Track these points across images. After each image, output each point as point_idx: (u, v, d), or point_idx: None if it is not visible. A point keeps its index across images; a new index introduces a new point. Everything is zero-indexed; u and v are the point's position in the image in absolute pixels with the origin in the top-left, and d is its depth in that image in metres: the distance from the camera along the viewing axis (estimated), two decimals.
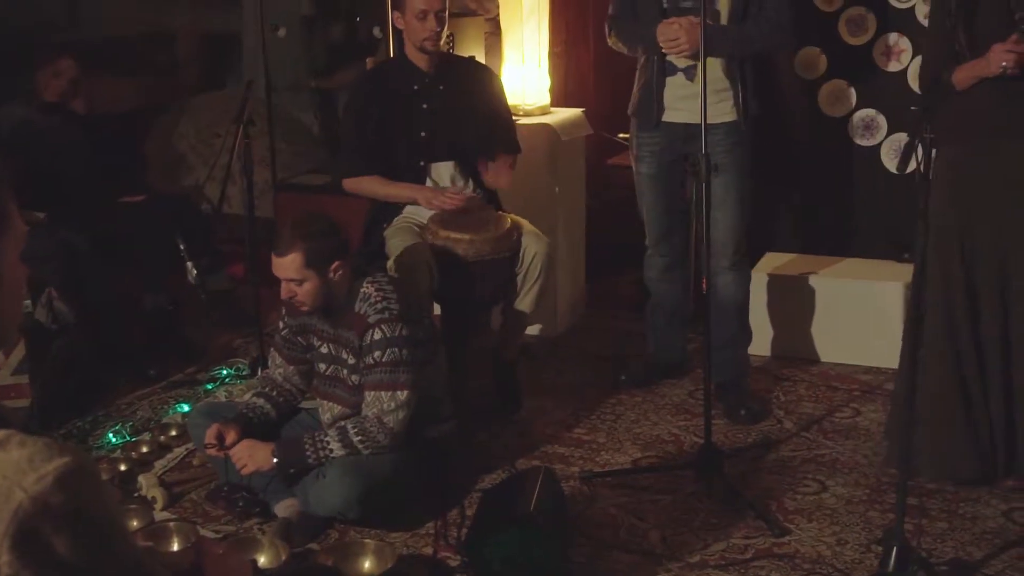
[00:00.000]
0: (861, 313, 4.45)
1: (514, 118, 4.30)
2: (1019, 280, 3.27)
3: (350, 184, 4.05)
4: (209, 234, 4.83)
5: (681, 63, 3.88)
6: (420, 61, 3.99)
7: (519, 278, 3.90)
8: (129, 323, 4.49)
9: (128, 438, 3.88)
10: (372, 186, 4.01)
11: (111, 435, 3.89)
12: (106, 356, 4.28)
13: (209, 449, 3.29)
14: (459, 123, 4.01)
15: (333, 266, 3.19)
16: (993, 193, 3.26)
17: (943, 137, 3.16)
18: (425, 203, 3.91)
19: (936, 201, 3.15)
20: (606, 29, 4.05)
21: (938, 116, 2.88)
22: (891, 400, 3.71)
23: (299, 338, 3.43)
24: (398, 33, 4.15)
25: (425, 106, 4.00)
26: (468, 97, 4.03)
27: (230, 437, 3.27)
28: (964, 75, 3.21)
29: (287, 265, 3.17)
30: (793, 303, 4.56)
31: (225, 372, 4.42)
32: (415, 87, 4.00)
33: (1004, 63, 3.08)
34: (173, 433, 3.88)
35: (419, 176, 4.00)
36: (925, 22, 4.43)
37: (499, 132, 4.09)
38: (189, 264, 4.43)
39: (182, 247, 4.45)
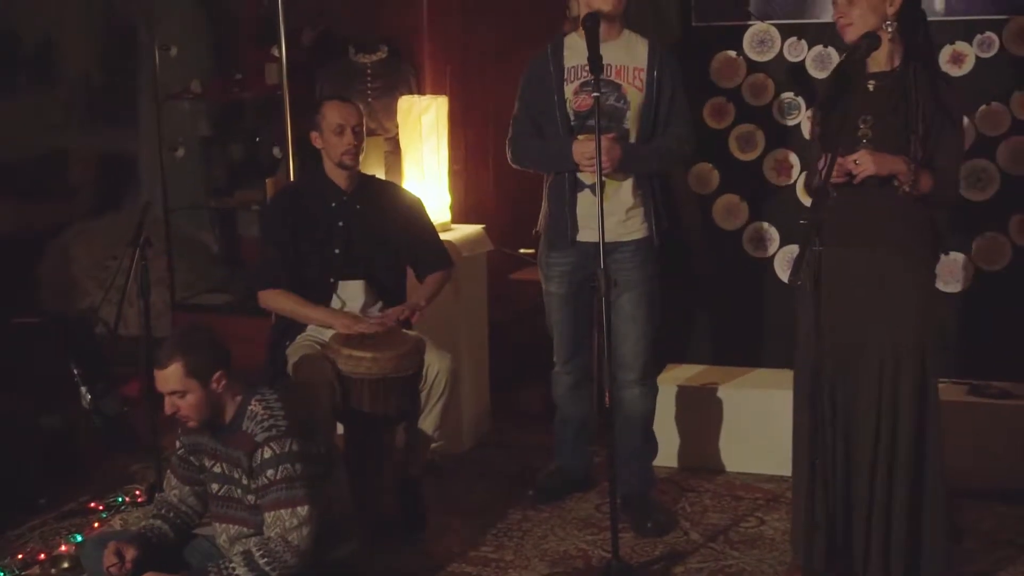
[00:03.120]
0: (763, 422, 4.49)
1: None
2: (866, 390, 3.35)
3: (266, 296, 4.02)
4: (103, 357, 4.73)
5: (589, 179, 3.92)
6: (339, 179, 4.01)
7: (423, 395, 3.88)
8: (19, 448, 4.34)
9: (17, 573, 3.72)
10: (288, 304, 3.98)
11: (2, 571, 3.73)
12: None
13: (111, 568, 3.17)
14: (373, 243, 4.02)
15: (215, 376, 3.16)
16: (837, 298, 3.35)
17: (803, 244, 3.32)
18: (345, 329, 3.88)
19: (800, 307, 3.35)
20: (507, 150, 4.11)
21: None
22: (793, 508, 3.74)
23: (192, 458, 3.36)
24: (301, 153, 4.18)
25: (341, 224, 4.01)
26: (385, 219, 4.06)
27: (130, 554, 3.17)
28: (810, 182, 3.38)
29: (168, 377, 3.15)
30: (698, 414, 4.60)
31: (120, 499, 4.28)
32: (332, 204, 4.02)
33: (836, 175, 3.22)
34: (65, 566, 3.72)
35: (327, 292, 3.99)
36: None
37: (428, 250, 4.12)
38: (83, 388, 4.33)
39: (75, 371, 4.34)
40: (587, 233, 3.95)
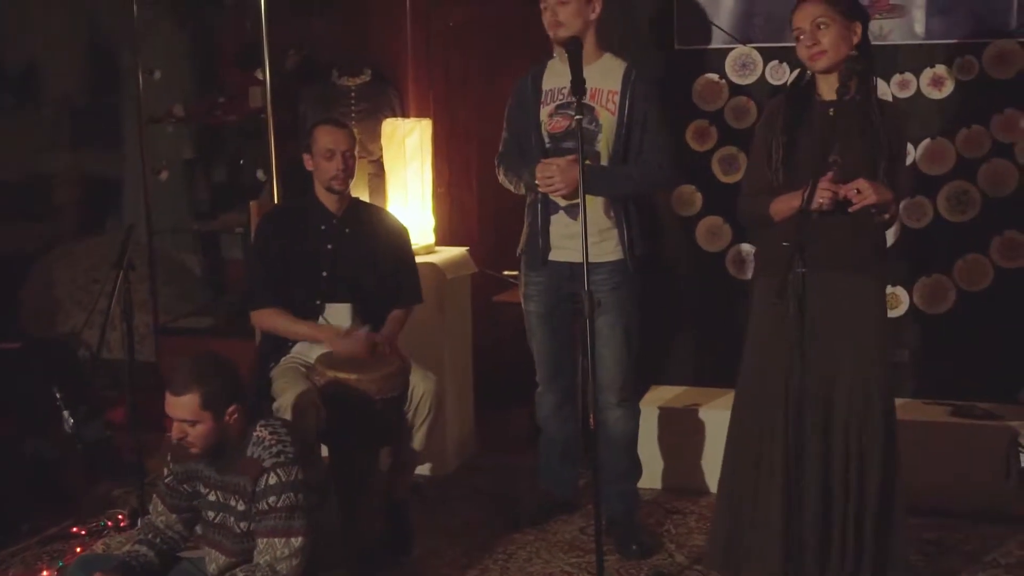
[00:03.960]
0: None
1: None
2: (839, 408, 3.38)
3: (259, 316, 4.02)
4: (86, 381, 4.71)
5: (562, 202, 3.96)
6: (329, 202, 4.02)
7: (408, 417, 3.87)
8: (0, 473, 4.32)
9: None
10: (278, 321, 3.98)
11: None
12: None
13: None
14: (361, 267, 4.03)
15: (229, 410, 3.13)
16: (812, 322, 3.37)
17: (763, 269, 3.35)
18: (330, 344, 3.88)
19: (759, 330, 3.42)
20: (496, 167, 4.13)
21: (758, 248, 3.01)
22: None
23: (184, 486, 3.33)
24: (285, 176, 4.19)
25: (329, 247, 4.01)
26: (373, 243, 4.06)
27: None
28: (780, 207, 3.38)
29: (183, 405, 3.10)
30: (682, 435, 4.61)
31: (103, 524, 4.25)
32: (322, 227, 4.02)
33: (821, 200, 3.24)
34: None
35: (314, 314, 3.99)
36: None
37: (401, 283, 4.12)
38: (65, 413, 4.31)
39: (58, 395, 4.32)
40: (558, 253, 3.98)
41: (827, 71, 3.37)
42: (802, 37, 3.37)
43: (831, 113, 3.36)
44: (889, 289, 4.48)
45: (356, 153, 4.04)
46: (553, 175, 3.81)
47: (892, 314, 4.50)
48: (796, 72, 3.53)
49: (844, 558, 3.38)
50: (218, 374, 3.15)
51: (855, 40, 3.35)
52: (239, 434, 3.18)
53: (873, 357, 3.39)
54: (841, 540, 3.39)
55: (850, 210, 3.25)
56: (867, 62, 3.36)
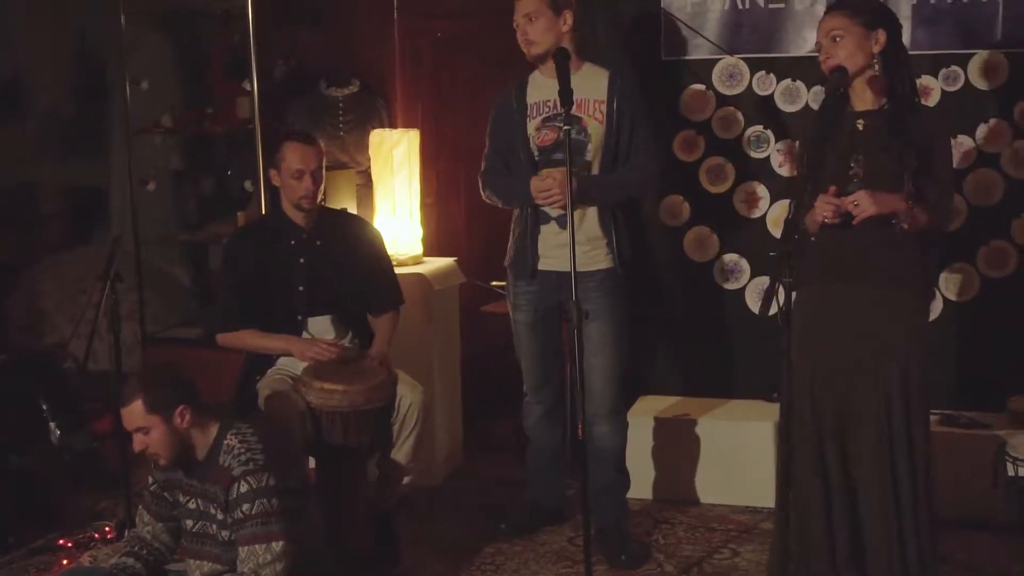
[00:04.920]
0: (736, 453, 4.51)
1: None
2: (859, 424, 3.37)
3: (224, 339, 4.00)
4: (72, 393, 4.69)
5: (554, 212, 3.96)
6: (297, 217, 4.00)
7: (395, 428, 3.87)
8: None
9: None
10: (246, 339, 3.97)
11: None
12: None
13: None
14: (336, 277, 4.01)
15: (177, 410, 3.14)
16: (833, 334, 3.38)
17: (799, 280, 3.33)
18: (299, 355, 3.88)
19: (792, 341, 3.33)
20: (480, 184, 4.13)
21: (797, 261, 3.01)
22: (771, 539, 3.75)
23: (166, 494, 3.33)
24: (271, 187, 4.17)
25: (302, 260, 3.99)
26: (345, 251, 4.05)
27: None
28: (810, 221, 3.38)
29: (131, 414, 3.15)
30: (671, 445, 4.61)
31: (90, 536, 4.23)
32: (292, 242, 4.00)
33: (824, 214, 3.25)
34: None
35: (296, 330, 3.97)
36: (780, 171, 4.66)
37: (380, 287, 4.11)
38: (52, 424, 4.29)
39: (44, 407, 4.30)
40: (548, 262, 3.98)
41: (849, 82, 3.35)
42: (820, 51, 3.38)
43: (859, 126, 3.36)
44: None
45: (324, 165, 4.01)
46: (551, 187, 3.81)
47: None
48: (830, 84, 3.48)
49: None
50: (159, 378, 3.20)
51: (876, 48, 3.32)
52: (203, 437, 3.20)
53: (910, 371, 3.35)
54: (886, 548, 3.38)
55: (853, 223, 3.24)
56: (895, 68, 3.34)
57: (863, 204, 3.23)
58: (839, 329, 3.36)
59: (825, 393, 3.37)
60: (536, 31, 3.88)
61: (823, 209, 3.27)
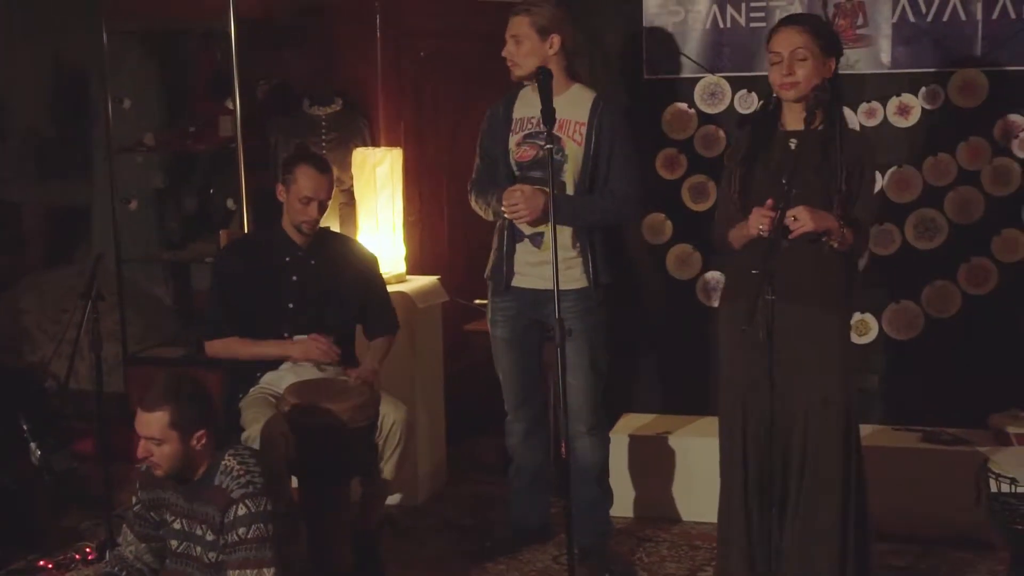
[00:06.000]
0: (717, 470, 4.49)
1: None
2: (796, 437, 3.41)
3: (213, 347, 3.99)
4: (53, 412, 4.66)
5: (527, 230, 3.96)
6: (295, 235, 4.01)
7: (378, 447, 3.86)
8: None
9: None
10: (237, 347, 3.96)
11: None
12: None
13: None
14: (327, 298, 4.02)
15: (198, 434, 3.11)
16: (766, 350, 3.39)
17: (726, 296, 3.37)
18: (301, 356, 3.88)
19: (726, 357, 3.45)
20: (468, 191, 4.14)
21: (726, 275, 3.03)
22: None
23: (152, 513, 3.31)
24: (254, 205, 4.17)
25: (295, 278, 4.00)
26: (339, 273, 4.05)
27: None
28: (736, 235, 3.41)
29: (151, 422, 3.09)
30: (653, 463, 4.61)
31: (71, 557, 4.20)
32: (286, 258, 4.01)
33: (760, 226, 3.27)
34: None
35: None
36: None
37: (376, 313, 4.13)
38: (33, 445, 4.26)
39: (25, 427, 4.28)
40: (521, 279, 3.99)
41: (795, 101, 3.39)
42: (777, 63, 3.38)
43: (791, 144, 3.38)
44: (858, 316, 4.51)
45: (332, 193, 4.02)
46: (517, 202, 3.82)
47: (861, 340, 4.54)
48: (761, 102, 3.55)
49: None
50: (191, 396, 3.14)
51: (827, 75, 3.38)
52: (205, 460, 3.16)
53: (832, 389, 3.39)
54: (800, 564, 3.39)
55: (789, 237, 3.26)
56: (834, 94, 3.39)
57: (802, 219, 3.25)
58: (765, 344, 3.36)
59: (755, 408, 3.39)
60: (520, 53, 3.90)
61: (758, 221, 3.27)
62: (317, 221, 3.98)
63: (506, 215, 3.90)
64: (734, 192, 3.44)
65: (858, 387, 3.75)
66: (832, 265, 3.39)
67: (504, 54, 3.93)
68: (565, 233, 3.94)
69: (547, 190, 3.64)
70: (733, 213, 3.45)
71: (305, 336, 3.96)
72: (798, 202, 3.27)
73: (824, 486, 3.39)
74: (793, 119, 3.42)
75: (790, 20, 3.49)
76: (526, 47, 3.88)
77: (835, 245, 3.31)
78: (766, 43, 3.46)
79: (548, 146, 3.48)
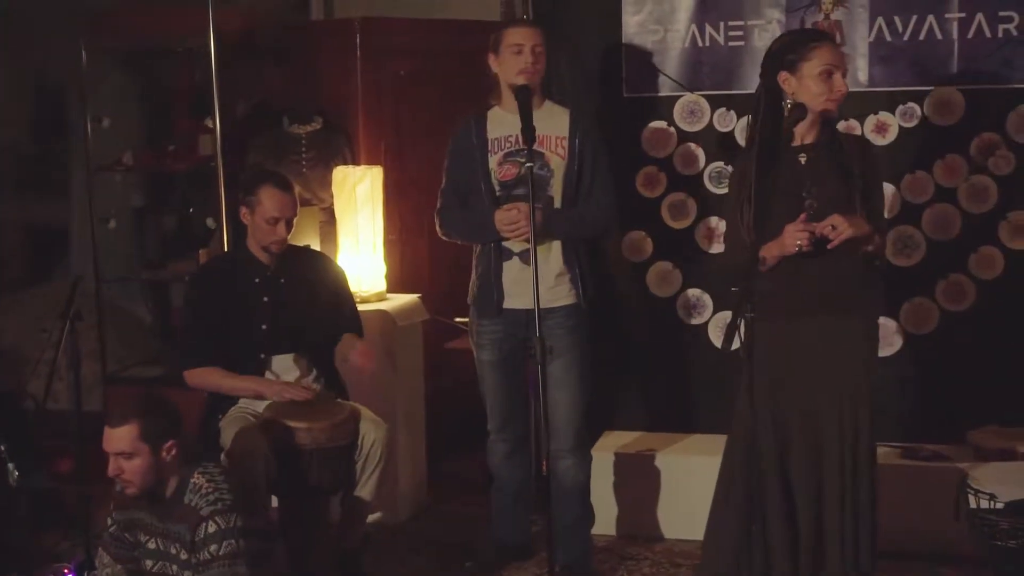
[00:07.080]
0: (700, 488, 4.46)
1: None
2: (828, 446, 3.43)
3: (192, 376, 3.97)
4: (31, 432, 4.63)
5: (517, 247, 3.97)
6: (261, 255, 4.00)
7: (358, 465, 3.85)
8: None
9: None
10: (215, 379, 3.94)
11: None
12: None
13: None
14: (300, 315, 4.01)
15: (167, 445, 3.12)
16: (797, 367, 3.41)
17: (761, 315, 3.37)
18: (276, 396, 3.85)
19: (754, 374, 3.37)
20: (436, 223, 4.13)
21: (754, 294, 3.04)
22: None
23: (126, 534, 3.30)
24: (235, 224, 4.16)
25: (266, 299, 3.98)
26: (309, 288, 4.05)
27: None
28: (768, 255, 3.38)
29: (120, 436, 3.09)
30: (635, 481, 4.60)
31: None
32: (256, 280, 3.99)
33: (799, 241, 3.27)
34: None
35: (259, 368, 3.96)
36: None
37: (343, 319, 4.11)
38: (10, 465, 4.22)
39: (2, 447, 4.24)
40: (513, 300, 3.98)
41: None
42: (827, 79, 3.35)
43: (802, 159, 3.40)
44: None
45: (298, 211, 4.01)
46: (518, 219, 3.82)
47: None
48: (753, 122, 3.53)
49: None
50: (158, 408, 3.17)
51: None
52: (176, 473, 3.15)
53: (861, 398, 3.42)
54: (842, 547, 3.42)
55: (829, 247, 3.27)
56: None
57: (840, 226, 3.25)
58: (804, 362, 3.38)
59: (790, 425, 3.39)
60: (542, 63, 3.92)
61: (797, 237, 3.28)
62: (285, 240, 3.97)
63: (505, 234, 3.89)
64: (748, 218, 3.41)
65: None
66: (850, 271, 3.39)
67: (519, 60, 3.90)
68: (556, 250, 3.95)
69: (539, 206, 3.66)
70: (747, 238, 3.43)
71: (278, 374, 3.95)
72: (825, 213, 3.28)
73: (860, 469, 3.43)
74: (798, 134, 3.43)
75: (825, 38, 3.49)
76: (542, 64, 3.91)
77: (871, 249, 3.32)
78: (805, 60, 3.38)
79: (528, 164, 3.50)
